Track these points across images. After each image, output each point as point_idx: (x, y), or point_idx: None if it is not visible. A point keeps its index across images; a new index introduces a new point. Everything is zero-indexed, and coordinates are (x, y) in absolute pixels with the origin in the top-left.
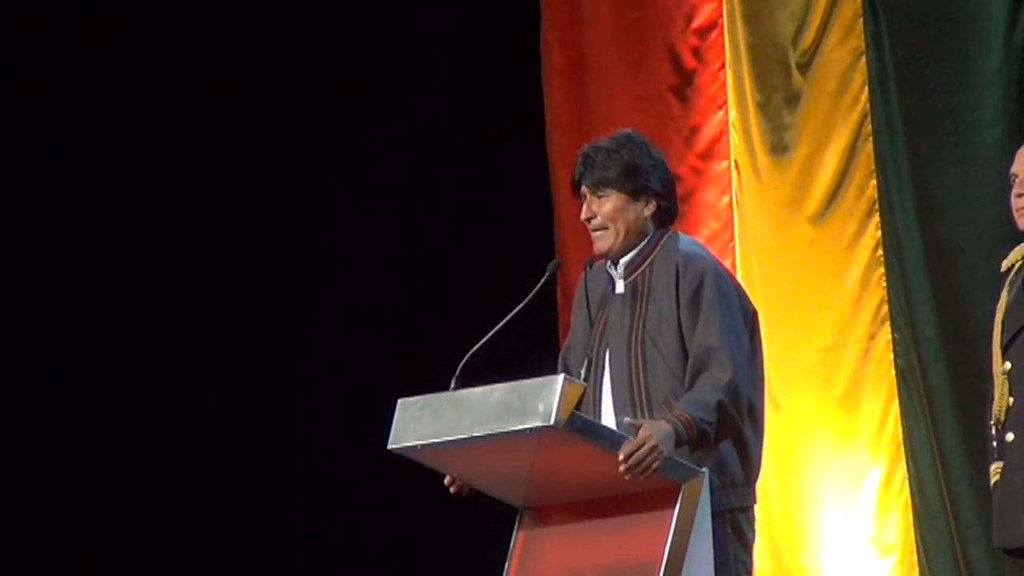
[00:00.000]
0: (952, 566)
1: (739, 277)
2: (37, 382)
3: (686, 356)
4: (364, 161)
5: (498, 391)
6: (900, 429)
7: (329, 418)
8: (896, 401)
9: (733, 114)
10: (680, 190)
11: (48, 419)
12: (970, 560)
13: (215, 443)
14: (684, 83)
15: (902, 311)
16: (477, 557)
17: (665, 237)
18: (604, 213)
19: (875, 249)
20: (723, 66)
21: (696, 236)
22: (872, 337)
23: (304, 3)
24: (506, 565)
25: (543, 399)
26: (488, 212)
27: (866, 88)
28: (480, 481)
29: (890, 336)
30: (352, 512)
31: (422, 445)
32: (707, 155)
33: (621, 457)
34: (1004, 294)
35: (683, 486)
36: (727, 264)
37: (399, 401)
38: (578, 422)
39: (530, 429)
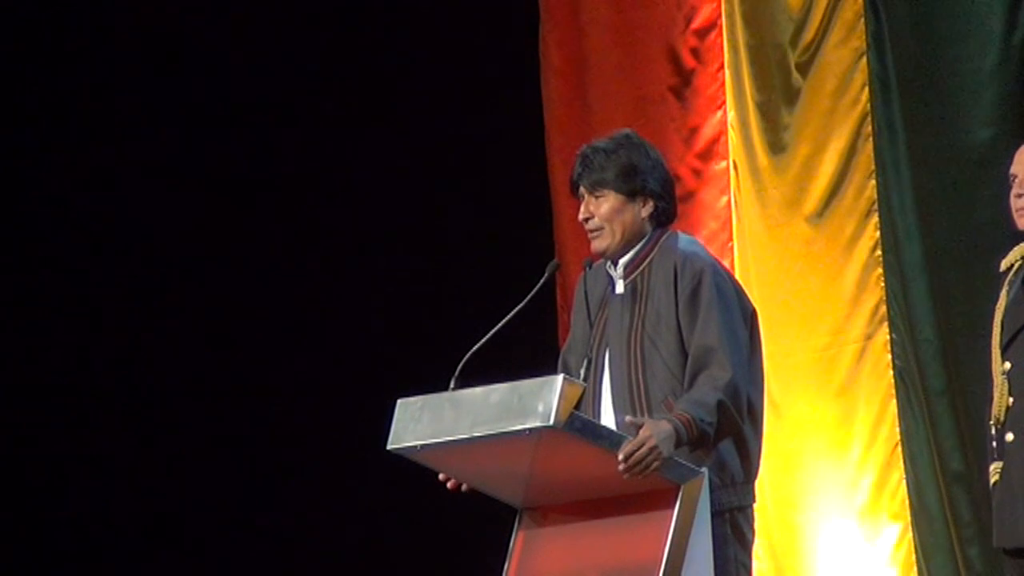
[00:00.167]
0: (951, 566)
1: (737, 277)
2: (37, 384)
3: (685, 356)
4: (363, 161)
5: (498, 391)
6: (897, 429)
7: (329, 418)
8: (893, 401)
9: (732, 114)
10: (679, 191)
11: (49, 419)
12: (969, 560)
13: (214, 443)
14: (683, 84)
15: (900, 311)
16: (477, 557)
17: (664, 237)
18: (601, 214)
19: (874, 249)
20: (722, 66)
21: (695, 236)
22: (869, 337)
23: (303, 3)
24: (506, 565)
25: (543, 399)
26: (488, 212)
27: (866, 88)
28: (480, 481)
29: (888, 336)
30: (352, 512)
31: (422, 445)
32: (706, 155)
33: (620, 457)
34: (1003, 294)
35: (682, 486)
36: (726, 264)
37: (399, 401)
38: (578, 422)
39: (530, 429)
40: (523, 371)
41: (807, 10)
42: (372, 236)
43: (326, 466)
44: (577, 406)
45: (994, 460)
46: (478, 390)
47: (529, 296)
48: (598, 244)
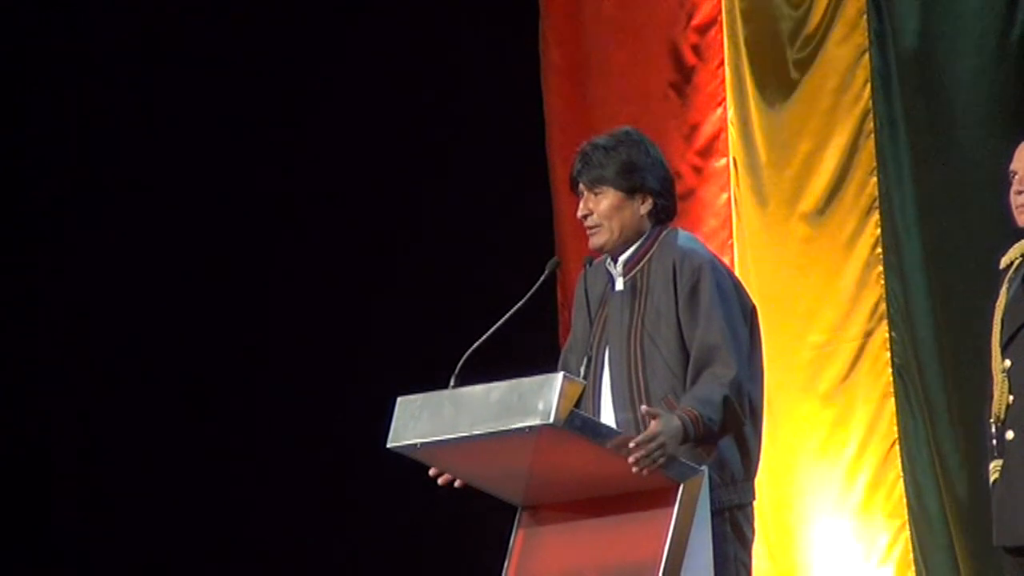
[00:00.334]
0: (949, 564)
1: (737, 274)
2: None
3: (685, 353)
4: (363, 161)
5: (498, 389)
6: (895, 427)
7: (328, 417)
8: (891, 399)
9: (732, 111)
10: (680, 188)
11: (50, 419)
12: (968, 559)
13: (213, 443)
14: (684, 81)
15: (900, 309)
16: (477, 556)
17: (663, 234)
18: (600, 210)
19: (874, 247)
20: (722, 63)
21: (696, 234)
22: (868, 335)
23: (303, 3)
24: (505, 564)
25: (543, 397)
26: (487, 210)
27: (868, 85)
28: (479, 479)
29: (887, 334)
30: (351, 512)
31: (421, 443)
32: (706, 152)
33: (632, 445)
34: (1003, 291)
35: (682, 484)
36: (726, 261)
37: (398, 399)
38: (578, 420)
39: (530, 428)
40: (523, 369)
41: (807, 6)
42: (372, 235)
43: (325, 465)
44: (577, 404)
45: (994, 458)
46: (478, 388)
47: (529, 294)
48: (596, 240)
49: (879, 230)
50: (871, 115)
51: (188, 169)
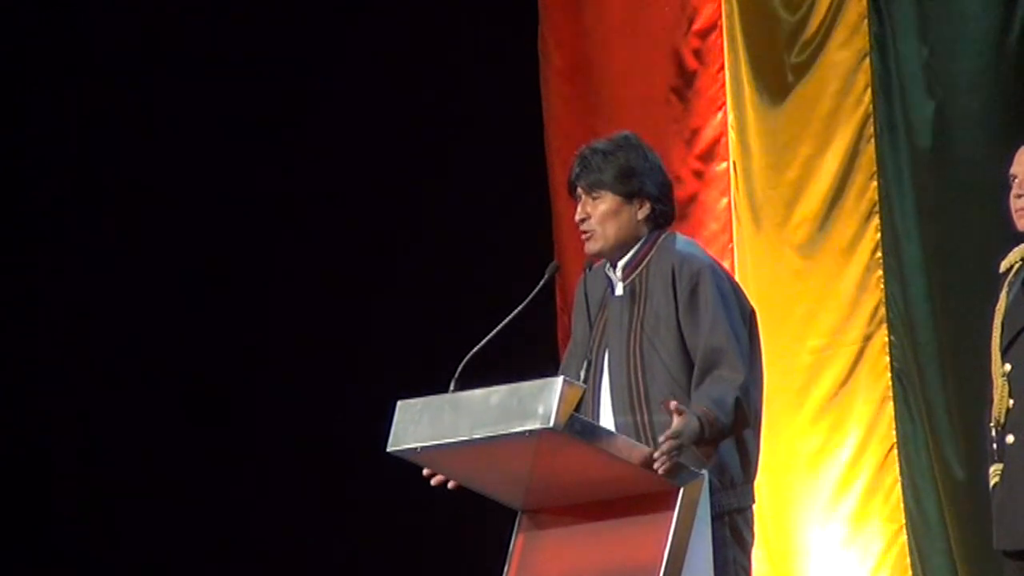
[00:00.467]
0: (948, 568)
1: (737, 278)
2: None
3: (685, 357)
4: (363, 161)
5: (498, 393)
6: (893, 432)
7: (328, 419)
8: (890, 403)
9: (732, 115)
10: (682, 192)
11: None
12: (967, 562)
13: (213, 443)
14: (686, 85)
15: (899, 313)
16: (476, 560)
17: (661, 238)
18: (597, 215)
19: (874, 251)
20: (722, 67)
21: (697, 238)
22: (868, 339)
23: (302, 3)
24: (505, 568)
25: (543, 401)
26: (488, 214)
27: (869, 90)
28: (479, 483)
29: (886, 338)
30: (351, 512)
31: (421, 447)
32: (707, 157)
33: (661, 439)
34: (1003, 295)
35: (682, 489)
36: (725, 265)
37: (398, 403)
38: (577, 424)
39: (529, 431)
40: (523, 373)
41: (806, 10)
42: (372, 235)
43: (325, 465)
44: (577, 408)
45: (994, 462)
46: (478, 392)
47: (529, 298)
48: (590, 247)
49: (879, 234)
50: (871, 119)
51: (188, 169)
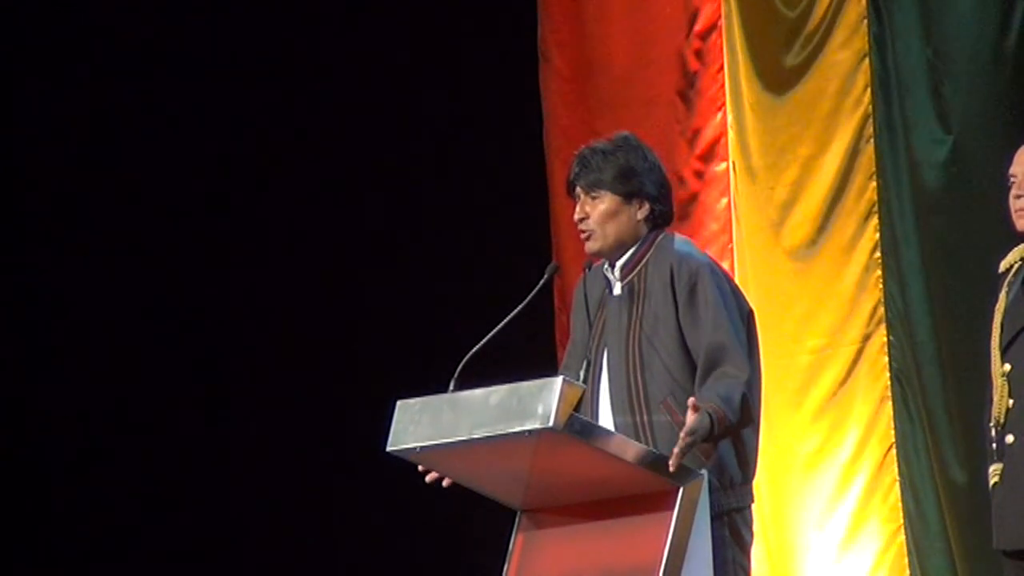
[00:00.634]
0: (947, 568)
1: (736, 278)
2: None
3: (684, 356)
4: (362, 162)
5: (497, 393)
6: (892, 431)
7: (328, 419)
8: (888, 404)
9: (731, 115)
10: (684, 193)
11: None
12: (965, 562)
13: (213, 443)
14: (688, 86)
15: (898, 313)
16: (476, 559)
17: (659, 238)
18: (596, 215)
19: (873, 251)
20: (722, 67)
21: (697, 238)
22: (867, 339)
23: (302, 3)
24: (505, 568)
25: (542, 401)
26: (487, 214)
27: (868, 90)
28: (479, 483)
29: (885, 338)
30: (351, 514)
31: (421, 447)
32: (707, 157)
33: (683, 434)
34: (1003, 295)
35: (682, 488)
36: (725, 266)
37: (398, 403)
38: (577, 424)
39: (529, 431)
40: (522, 373)
41: (805, 11)
42: (371, 237)
43: (325, 465)
44: (576, 408)
45: (994, 462)
46: (477, 392)
47: (528, 298)
48: (589, 246)
49: (878, 234)
50: (871, 120)
51: (188, 169)
